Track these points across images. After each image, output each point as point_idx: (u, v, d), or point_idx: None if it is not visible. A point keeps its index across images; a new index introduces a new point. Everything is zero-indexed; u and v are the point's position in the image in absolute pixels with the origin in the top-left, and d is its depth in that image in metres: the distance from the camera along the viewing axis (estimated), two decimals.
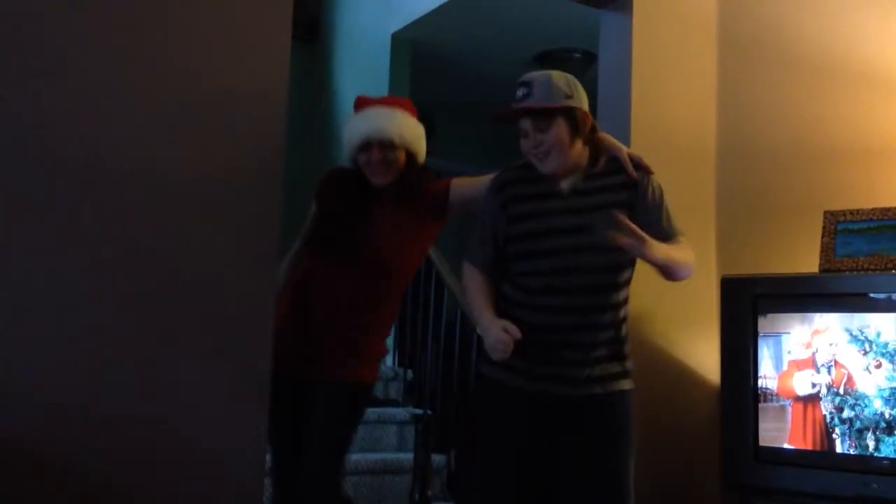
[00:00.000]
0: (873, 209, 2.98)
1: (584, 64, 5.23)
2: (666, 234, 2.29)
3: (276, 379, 2.41)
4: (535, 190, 2.30)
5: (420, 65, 4.99)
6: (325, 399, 2.49)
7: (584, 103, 2.29)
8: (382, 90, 4.72)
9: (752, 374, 2.93)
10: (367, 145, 2.47)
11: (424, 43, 4.96)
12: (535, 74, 2.28)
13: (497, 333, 2.17)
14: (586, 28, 4.00)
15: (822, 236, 3.04)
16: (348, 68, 5.30)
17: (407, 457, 3.76)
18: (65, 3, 2.23)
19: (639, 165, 2.35)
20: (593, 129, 2.31)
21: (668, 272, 2.28)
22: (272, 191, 2.43)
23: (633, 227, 2.12)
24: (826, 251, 3.01)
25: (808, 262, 3.10)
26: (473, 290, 2.31)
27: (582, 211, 2.25)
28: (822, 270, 2.99)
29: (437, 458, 3.74)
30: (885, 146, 3.23)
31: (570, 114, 2.23)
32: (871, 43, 3.33)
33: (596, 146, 2.33)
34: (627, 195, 2.28)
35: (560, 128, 2.22)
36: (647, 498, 2.99)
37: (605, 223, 2.19)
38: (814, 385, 2.83)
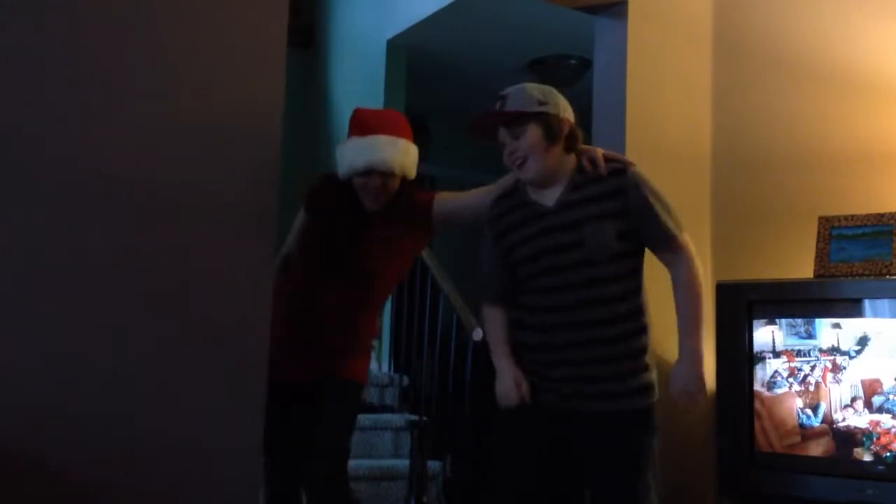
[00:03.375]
0: (868, 215, 2.99)
1: (579, 70, 5.24)
2: (662, 235, 2.26)
3: (272, 386, 2.40)
4: (525, 213, 2.29)
5: (415, 71, 4.99)
6: (334, 396, 2.56)
7: (562, 111, 2.26)
8: (378, 96, 4.72)
9: (747, 379, 2.93)
10: (369, 171, 2.50)
11: (420, 49, 4.96)
12: (512, 87, 2.29)
13: (508, 387, 2.26)
14: (581, 34, 4.00)
15: (817, 242, 3.05)
16: (344, 74, 5.30)
17: (402, 463, 3.75)
18: (64, 10, 2.23)
19: (619, 163, 2.31)
20: (573, 137, 2.28)
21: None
22: (268, 196, 2.44)
23: (680, 398, 2.23)
24: (821, 257, 3.01)
25: (802, 267, 3.11)
26: (492, 332, 2.37)
27: (571, 225, 2.23)
28: (817, 276, 3.00)
29: (433, 465, 3.73)
30: (879, 152, 3.24)
31: (543, 120, 2.22)
32: (864, 49, 3.35)
33: (579, 155, 2.31)
34: (616, 203, 2.24)
35: (532, 133, 2.21)
36: None
37: (595, 237, 2.19)
38: (802, 403, 2.84)
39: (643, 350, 2.26)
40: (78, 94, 2.23)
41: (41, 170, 2.18)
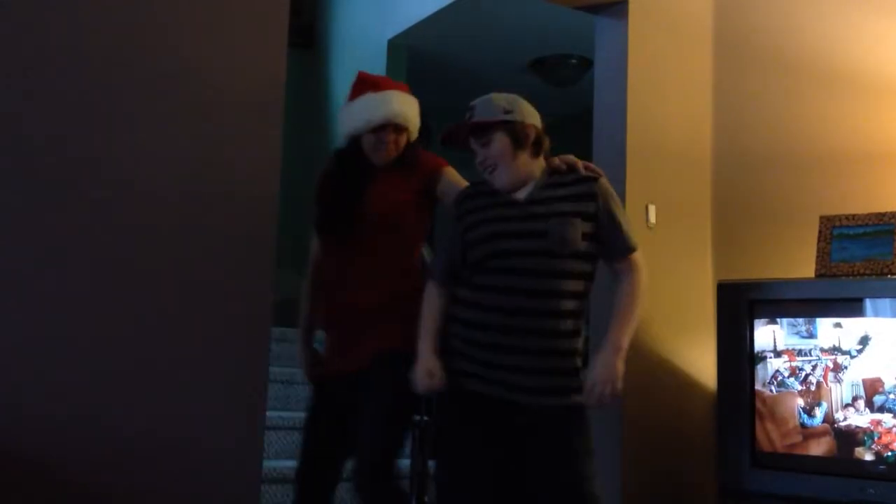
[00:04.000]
0: (869, 214, 2.98)
1: (579, 70, 5.24)
2: (622, 246, 2.32)
3: (321, 381, 2.43)
4: (493, 200, 2.35)
5: (416, 70, 4.99)
6: (370, 382, 2.43)
7: (528, 118, 2.32)
8: None
9: (748, 379, 2.93)
10: (383, 126, 2.49)
11: (420, 49, 4.96)
12: (479, 98, 2.35)
13: (422, 375, 2.28)
14: (582, 34, 4.00)
15: (818, 241, 3.04)
16: (345, 74, 5.30)
17: (403, 463, 3.75)
18: (64, 11, 2.23)
19: (591, 171, 2.36)
20: (539, 142, 2.33)
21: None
22: (269, 195, 2.44)
23: (590, 390, 2.20)
24: (822, 256, 3.01)
25: (804, 267, 3.10)
26: (426, 313, 2.36)
27: (539, 217, 2.27)
28: (818, 275, 3.00)
29: (434, 464, 3.73)
30: (880, 151, 3.24)
31: (510, 128, 2.29)
32: (865, 49, 3.35)
33: (547, 160, 2.37)
34: (586, 206, 2.30)
35: (500, 141, 2.29)
36: None
37: (560, 229, 2.23)
38: (804, 400, 2.83)
39: (577, 352, 2.29)
40: (77, 95, 2.23)
41: (41, 173, 2.18)
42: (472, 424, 2.29)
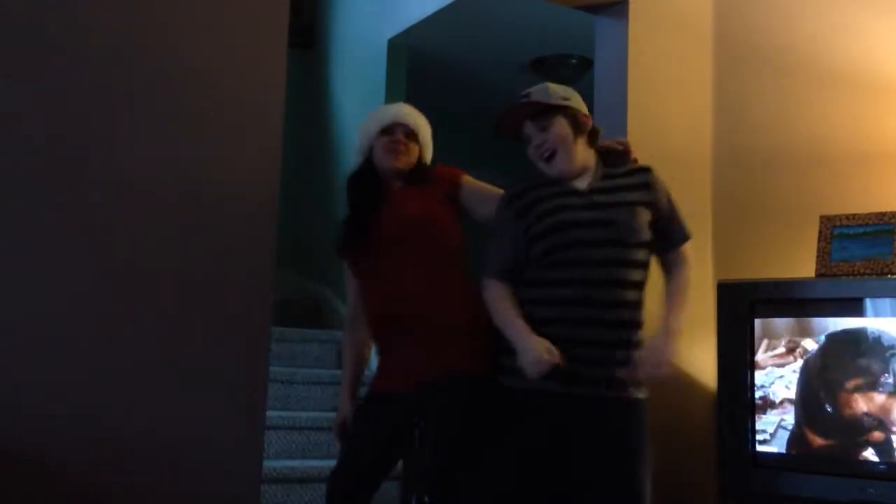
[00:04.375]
0: (869, 214, 2.98)
1: (580, 70, 5.24)
2: (680, 236, 2.38)
3: (370, 398, 2.42)
4: (552, 191, 2.31)
5: (416, 70, 4.99)
6: (430, 409, 2.37)
7: (582, 109, 2.35)
8: (379, 96, 4.72)
9: (749, 379, 2.93)
10: (391, 127, 2.50)
11: (420, 49, 4.96)
12: (534, 87, 2.35)
13: (538, 355, 2.14)
14: (582, 34, 4.00)
15: (819, 241, 3.04)
16: (345, 74, 5.30)
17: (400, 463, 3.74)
18: (63, 11, 2.23)
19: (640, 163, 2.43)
20: (595, 132, 2.36)
21: None
22: (269, 195, 2.44)
23: (639, 364, 2.20)
24: (822, 256, 3.01)
25: (804, 266, 3.10)
26: (502, 305, 2.26)
27: (604, 206, 2.27)
28: (819, 275, 3.00)
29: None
30: (880, 151, 3.24)
31: (569, 112, 2.29)
32: (865, 49, 3.35)
33: (598, 151, 2.39)
34: (645, 195, 2.32)
35: (560, 125, 2.28)
36: None
37: (629, 218, 2.25)
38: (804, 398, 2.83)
39: (639, 344, 2.27)
40: (77, 95, 2.23)
41: (41, 172, 2.18)
42: (527, 424, 2.24)
